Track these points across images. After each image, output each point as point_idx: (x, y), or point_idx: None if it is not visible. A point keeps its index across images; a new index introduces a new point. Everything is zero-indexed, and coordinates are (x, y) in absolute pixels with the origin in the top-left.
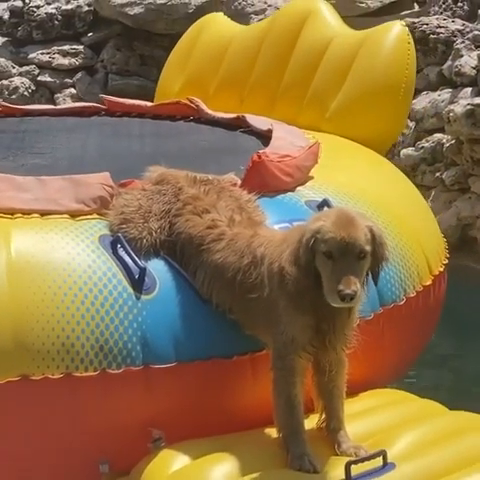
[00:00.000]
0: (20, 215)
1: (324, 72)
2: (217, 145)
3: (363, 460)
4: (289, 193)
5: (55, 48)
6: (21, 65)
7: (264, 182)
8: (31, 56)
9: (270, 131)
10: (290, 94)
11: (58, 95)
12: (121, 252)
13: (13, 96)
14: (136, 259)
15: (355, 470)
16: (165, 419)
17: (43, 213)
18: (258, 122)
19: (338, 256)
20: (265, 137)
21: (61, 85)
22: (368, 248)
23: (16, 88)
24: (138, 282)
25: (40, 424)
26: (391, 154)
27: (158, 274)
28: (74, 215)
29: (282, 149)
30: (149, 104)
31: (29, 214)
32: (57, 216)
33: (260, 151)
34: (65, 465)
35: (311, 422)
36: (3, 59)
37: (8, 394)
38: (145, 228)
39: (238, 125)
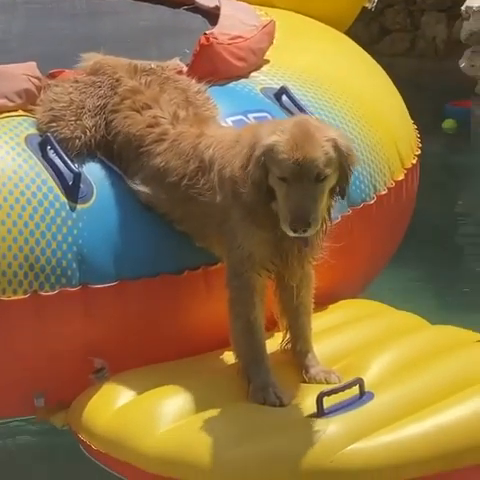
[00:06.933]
0: None
1: None
2: (158, 25)
3: (337, 391)
4: (242, 80)
5: None
6: None
7: (214, 68)
8: None
9: (217, 8)
10: None
11: None
12: (51, 155)
13: None
14: (69, 163)
15: (328, 401)
16: (108, 346)
17: None
18: None
19: (292, 180)
20: (212, 15)
21: None
22: (328, 171)
23: None
24: (72, 189)
25: None
26: None
27: (95, 180)
28: None
29: (232, 29)
30: None
31: None
32: None
33: (207, 32)
34: None
35: (274, 342)
36: None
37: None
38: (78, 126)
39: (182, 2)
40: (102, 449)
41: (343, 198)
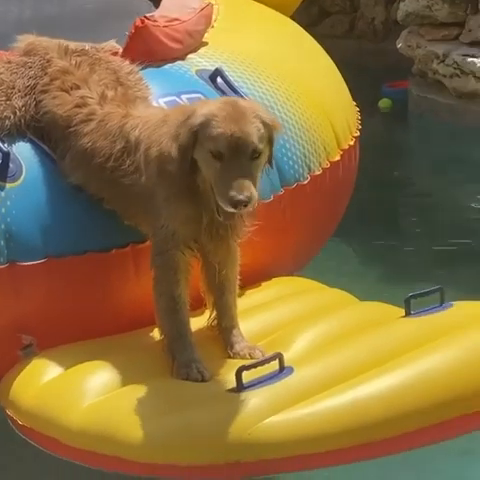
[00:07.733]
0: None
1: None
2: (104, 8)
3: (256, 365)
4: (178, 62)
5: None
6: None
7: (149, 50)
8: None
9: None
10: None
11: None
12: None
13: None
14: None
15: (248, 376)
16: (36, 323)
17: None
18: None
19: (229, 156)
20: None
21: None
22: (261, 146)
23: None
24: (1, 168)
25: None
26: None
27: (24, 159)
28: None
29: (172, 12)
30: None
31: None
32: None
33: (148, 15)
34: None
35: (204, 319)
36: None
37: None
38: (7, 106)
39: None
40: (27, 424)
41: (271, 166)
